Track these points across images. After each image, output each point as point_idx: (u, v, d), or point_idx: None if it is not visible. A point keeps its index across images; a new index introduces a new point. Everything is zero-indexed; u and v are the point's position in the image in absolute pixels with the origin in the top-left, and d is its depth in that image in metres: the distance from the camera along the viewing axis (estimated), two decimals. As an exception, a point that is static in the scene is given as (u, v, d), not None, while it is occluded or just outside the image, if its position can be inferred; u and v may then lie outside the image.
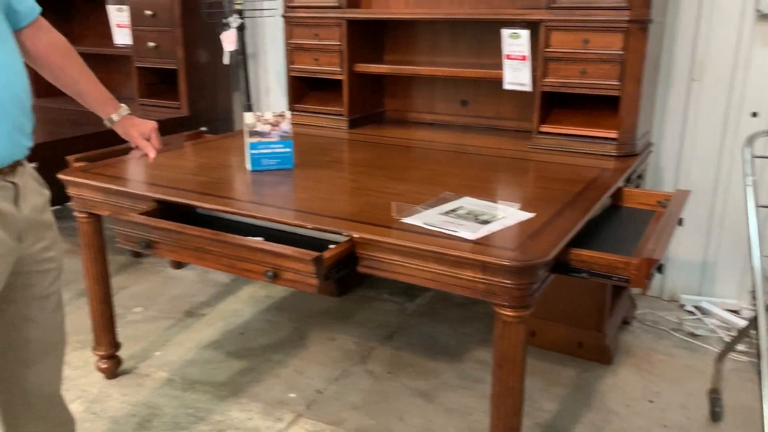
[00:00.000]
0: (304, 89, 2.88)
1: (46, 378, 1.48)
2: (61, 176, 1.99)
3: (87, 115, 2.93)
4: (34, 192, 1.38)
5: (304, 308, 2.70)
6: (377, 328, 2.54)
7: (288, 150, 2.06)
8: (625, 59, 2.10)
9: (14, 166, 1.32)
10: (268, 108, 3.49)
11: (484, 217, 1.55)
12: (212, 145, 2.45)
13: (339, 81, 2.69)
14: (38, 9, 1.50)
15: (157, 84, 3.20)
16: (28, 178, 1.39)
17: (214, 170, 2.10)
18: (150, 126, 1.79)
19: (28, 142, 1.36)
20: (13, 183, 1.31)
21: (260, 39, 3.41)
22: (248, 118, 2.04)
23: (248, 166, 2.05)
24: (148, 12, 2.98)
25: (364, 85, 2.78)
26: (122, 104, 1.73)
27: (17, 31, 1.48)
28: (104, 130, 2.46)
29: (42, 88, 3.48)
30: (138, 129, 1.76)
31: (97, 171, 2.03)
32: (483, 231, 1.45)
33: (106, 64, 3.54)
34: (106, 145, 2.62)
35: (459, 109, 2.77)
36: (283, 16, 2.73)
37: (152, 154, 1.77)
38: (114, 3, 3.15)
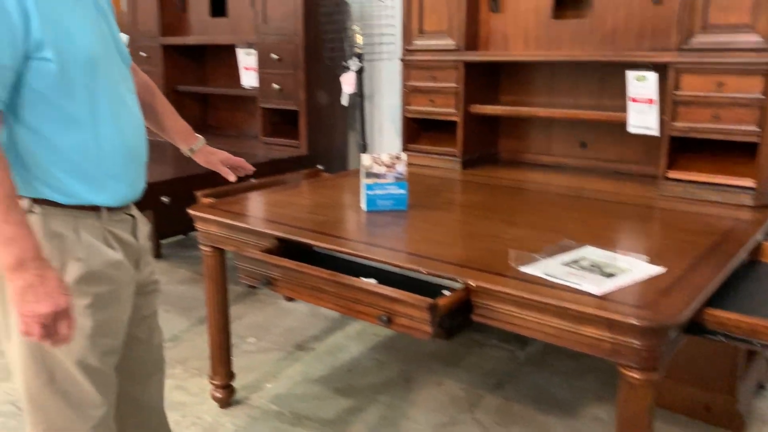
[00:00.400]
0: (418, 129, 2.91)
1: (154, 393, 1.63)
2: (190, 211, 2.10)
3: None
4: (143, 222, 1.52)
5: (411, 349, 2.68)
6: (486, 375, 2.48)
7: (402, 192, 2.08)
8: (765, 104, 1.95)
9: (132, 201, 1.48)
10: (382, 147, 3.55)
11: (609, 270, 1.48)
12: (328, 184, 2.52)
13: (453, 122, 2.70)
14: (130, 57, 1.63)
15: (279, 123, 3.35)
16: (137, 210, 1.53)
17: (330, 209, 2.16)
18: (226, 154, 1.88)
19: (144, 183, 1.50)
20: (132, 216, 1.46)
21: (376, 80, 3.50)
22: (365, 159, 2.08)
23: (363, 206, 2.08)
24: (274, 56, 3.14)
25: (479, 125, 2.77)
26: (199, 135, 1.81)
27: None
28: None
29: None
30: (217, 156, 1.85)
31: (223, 207, 2.13)
32: (609, 285, 1.38)
33: (233, 104, 3.76)
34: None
35: (577, 150, 2.69)
36: (402, 60, 2.79)
37: (233, 177, 1.89)
38: (243, 47, 3.35)
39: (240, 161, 1.89)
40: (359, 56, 3.08)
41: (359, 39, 3.07)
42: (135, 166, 1.42)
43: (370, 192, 2.07)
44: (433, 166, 2.76)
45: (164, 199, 2.57)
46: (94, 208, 1.35)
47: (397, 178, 2.08)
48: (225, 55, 3.65)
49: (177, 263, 3.65)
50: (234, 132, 3.77)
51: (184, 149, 1.78)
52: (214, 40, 3.48)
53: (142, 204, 2.52)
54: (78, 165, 1.31)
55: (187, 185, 2.64)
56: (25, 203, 1.29)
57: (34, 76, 1.24)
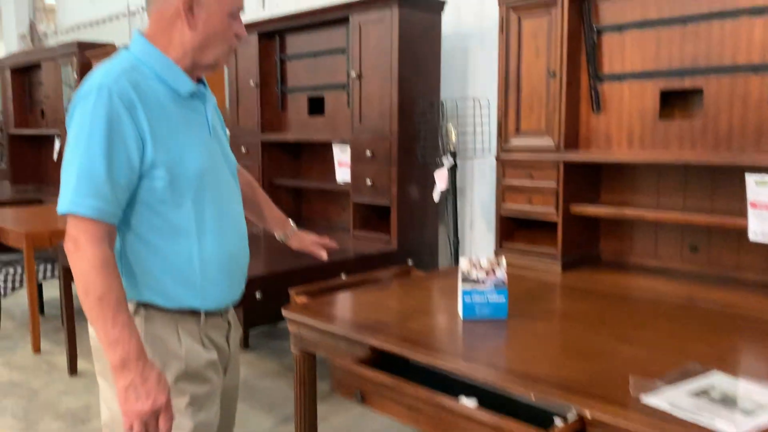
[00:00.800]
0: (513, 227, 2.82)
1: None
2: (285, 314, 2.08)
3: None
4: (237, 328, 1.59)
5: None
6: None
7: (502, 300, 1.98)
8: None
9: (229, 306, 1.55)
10: (473, 243, 3.48)
11: (747, 405, 1.31)
12: (421, 284, 2.45)
13: (552, 222, 2.60)
14: (236, 161, 1.78)
15: (370, 217, 3.36)
16: (233, 314, 1.59)
17: (425, 314, 2.08)
18: (315, 236, 1.95)
19: (243, 288, 1.58)
20: (228, 322, 1.54)
21: (468, 174, 3.47)
22: (463, 263, 2.00)
23: (460, 312, 1.99)
24: (368, 153, 3.18)
25: (579, 224, 2.65)
26: (292, 222, 1.93)
27: None
28: (321, 262, 2.65)
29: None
30: (310, 239, 1.93)
31: (316, 309, 2.10)
32: (748, 425, 1.21)
33: (327, 198, 3.82)
34: (325, 276, 2.77)
35: (687, 255, 2.51)
36: (497, 158, 2.75)
37: (324, 256, 1.92)
38: (338, 144, 3.43)
39: (326, 241, 1.95)
40: (453, 153, 3.07)
41: (453, 136, 3.07)
42: (235, 273, 1.49)
43: (467, 299, 1.98)
44: (530, 266, 2.65)
45: (257, 294, 2.58)
46: (194, 312, 1.42)
47: (496, 285, 1.99)
48: (320, 150, 3.74)
49: (264, 355, 3.63)
50: (326, 224, 3.81)
51: (279, 235, 1.90)
52: (310, 138, 3.59)
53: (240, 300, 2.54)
54: (181, 272, 1.39)
55: (278, 279, 2.65)
56: (131, 306, 1.36)
57: (146, 191, 1.34)
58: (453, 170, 3.10)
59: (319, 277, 2.75)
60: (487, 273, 2.00)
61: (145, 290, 1.38)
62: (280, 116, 3.83)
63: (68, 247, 1.28)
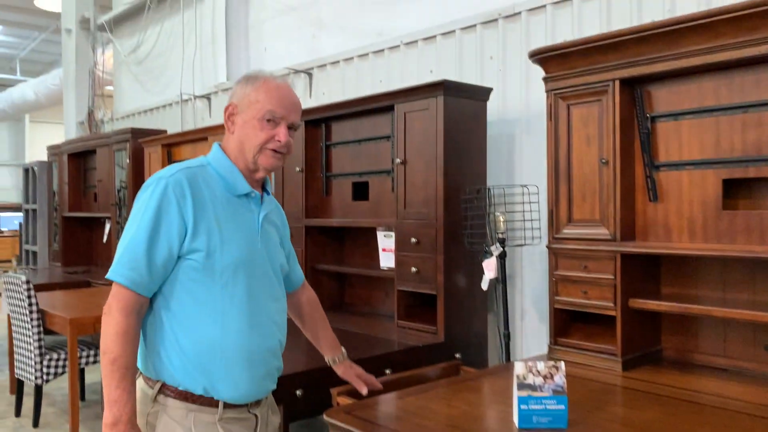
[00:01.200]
0: (568, 321, 2.67)
1: None
2: (326, 419, 1.96)
3: (354, 341, 3.04)
4: (270, 423, 1.65)
5: None
6: None
7: (562, 407, 1.82)
8: None
9: (259, 400, 1.61)
10: (524, 334, 3.32)
11: None
12: (471, 385, 2.30)
13: (610, 316, 2.45)
14: (303, 276, 2.02)
15: (415, 306, 3.24)
16: (268, 407, 1.65)
17: (476, 422, 1.93)
18: (360, 370, 2.07)
19: (274, 385, 1.66)
20: (255, 415, 1.58)
21: (517, 262, 3.36)
22: (518, 367, 1.87)
23: (516, 421, 1.84)
24: (413, 239, 3.11)
25: (639, 319, 2.49)
26: (342, 348, 2.06)
27: (290, 291, 1.95)
28: (366, 356, 2.68)
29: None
30: (354, 371, 2.04)
31: (359, 414, 1.97)
32: None
33: (370, 284, 3.73)
34: (367, 371, 2.64)
35: (761, 354, 2.31)
36: (548, 247, 2.64)
37: (365, 391, 2.01)
38: (383, 230, 3.37)
39: (371, 379, 2.05)
40: (501, 241, 2.97)
41: (501, 224, 2.98)
42: (260, 367, 1.56)
43: (524, 407, 1.83)
44: (587, 364, 2.48)
45: (298, 392, 2.46)
46: (212, 402, 1.50)
47: (555, 392, 1.84)
48: (364, 236, 3.69)
49: (304, 449, 3.47)
50: (369, 310, 3.71)
51: (328, 358, 2.02)
52: (355, 223, 3.55)
53: (277, 396, 2.44)
54: (202, 353, 1.48)
55: (320, 375, 2.53)
56: (156, 386, 1.50)
57: (182, 270, 1.50)
58: (502, 258, 2.99)
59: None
60: (545, 378, 1.86)
61: (167, 367, 1.49)
62: (324, 201, 3.82)
63: (104, 309, 1.46)
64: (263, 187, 1.71)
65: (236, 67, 5.50)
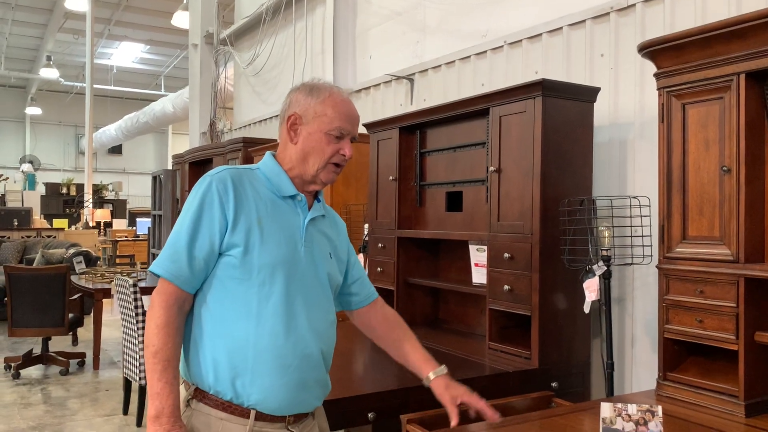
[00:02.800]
0: (681, 353, 2.31)
1: None
2: (384, 451, 1.78)
3: (442, 361, 2.83)
4: None
5: None
6: None
7: (657, 462, 1.53)
8: None
9: (299, 417, 1.54)
10: (634, 364, 2.95)
11: None
12: (561, 423, 2.03)
13: (731, 351, 2.07)
14: (376, 295, 1.91)
15: (508, 327, 2.98)
16: (313, 429, 1.60)
17: (556, 468, 1.67)
18: (463, 390, 1.77)
19: (317, 401, 1.60)
20: None
21: (627, 283, 3.00)
22: (605, 410, 1.59)
23: (601, 473, 1.56)
24: (507, 255, 2.85)
25: (766, 357, 2.09)
26: (441, 364, 1.81)
27: (357, 309, 1.88)
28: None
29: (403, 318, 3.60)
30: (451, 392, 1.76)
31: (424, 448, 1.77)
32: None
33: (464, 300, 3.51)
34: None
35: None
36: (659, 268, 2.30)
37: (453, 422, 1.73)
38: (475, 244, 3.14)
39: (481, 405, 1.75)
40: (606, 259, 2.65)
41: (606, 240, 2.66)
42: (294, 376, 1.49)
43: (609, 457, 1.56)
44: (702, 405, 2.12)
45: (369, 415, 2.30)
46: (242, 413, 1.45)
47: (648, 442, 1.54)
48: (459, 249, 3.48)
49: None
50: (463, 329, 3.48)
51: (423, 377, 1.80)
52: (447, 235, 3.35)
53: (351, 418, 2.29)
54: (231, 353, 1.45)
55: (395, 397, 2.37)
56: (191, 390, 1.50)
57: (221, 266, 1.50)
58: (606, 278, 2.67)
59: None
60: (637, 425, 1.57)
61: (201, 368, 1.47)
62: (417, 212, 3.65)
63: (149, 303, 1.49)
64: (316, 196, 1.70)
65: (343, 76, 5.48)
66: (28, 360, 5.43)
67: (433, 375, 1.77)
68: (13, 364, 5.36)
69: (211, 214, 1.48)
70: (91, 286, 5.61)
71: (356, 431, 3.59)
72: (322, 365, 1.57)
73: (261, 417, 1.46)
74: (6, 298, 5.29)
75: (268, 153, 1.67)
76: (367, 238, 3.90)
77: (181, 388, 1.52)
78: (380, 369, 2.89)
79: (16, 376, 5.28)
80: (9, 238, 10.09)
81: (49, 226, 12.20)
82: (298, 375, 1.49)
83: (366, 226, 3.96)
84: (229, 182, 1.52)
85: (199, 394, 1.49)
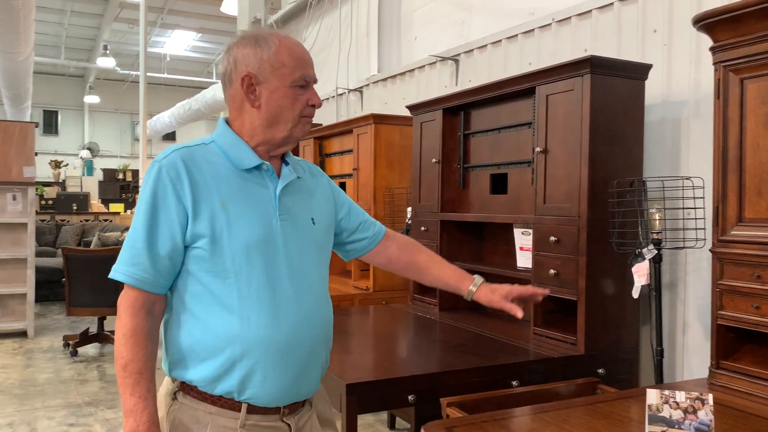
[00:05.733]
0: (734, 341, 2.20)
1: None
2: (421, 433, 1.77)
3: (484, 345, 2.80)
4: None
5: None
6: None
7: (706, 452, 1.46)
8: None
9: (295, 407, 1.41)
10: (686, 352, 2.84)
11: None
12: (608, 410, 1.96)
13: (790, 340, 1.97)
14: (384, 229, 1.74)
15: (553, 312, 2.91)
16: (311, 417, 1.45)
17: (599, 456, 1.61)
18: (508, 287, 1.66)
19: (314, 386, 1.45)
20: (288, 424, 1.39)
21: (680, 267, 2.88)
22: (652, 397, 1.53)
23: (646, 461, 1.51)
24: (553, 238, 2.78)
25: (832, 347, 1.98)
26: (476, 275, 1.70)
27: (370, 251, 1.71)
28: (489, 363, 2.39)
29: (445, 302, 3.57)
30: (499, 293, 1.64)
31: (461, 431, 1.75)
32: None
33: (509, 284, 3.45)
34: (491, 381, 2.40)
35: None
36: (712, 251, 2.19)
37: (519, 314, 1.63)
38: (520, 227, 3.08)
39: (529, 291, 1.65)
40: (657, 242, 2.55)
41: (657, 222, 2.55)
42: (292, 367, 1.36)
43: (654, 445, 1.50)
44: (757, 395, 2.02)
45: (410, 398, 2.29)
46: (233, 406, 1.33)
47: (698, 431, 1.48)
48: (503, 233, 3.41)
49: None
50: (506, 314, 3.41)
51: (464, 293, 1.67)
52: (491, 218, 3.28)
53: (391, 400, 2.28)
54: (221, 350, 1.32)
55: (435, 380, 2.35)
56: (173, 386, 1.38)
57: (190, 260, 1.34)
58: (657, 262, 2.57)
59: (486, 382, 2.40)
60: (686, 413, 1.50)
61: (186, 365, 1.35)
62: (461, 195, 3.59)
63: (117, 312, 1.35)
64: (283, 158, 1.50)
65: (387, 59, 5.43)
66: (85, 338, 5.62)
67: (474, 287, 1.65)
68: (71, 342, 5.56)
69: (166, 205, 1.32)
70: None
71: (399, 413, 3.60)
72: (319, 348, 1.43)
73: (253, 410, 1.34)
74: (64, 279, 5.49)
75: (221, 120, 1.47)
76: (410, 222, 3.86)
77: (165, 381, 1.43)
78: (420, 352, 2.87)
79: (74, 353, 5.48)
80: (68, 221, 10.47)
81: (106, 211, 12.60)
82: (293, 364, 1.36)
83: (409, 209, 3.93)
84: (181, 166, 1.33)
85: (187, 388, 1.36)
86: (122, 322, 1.31)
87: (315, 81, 1.46)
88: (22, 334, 6.19)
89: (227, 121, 1.46)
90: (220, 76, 1.47)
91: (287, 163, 1.48)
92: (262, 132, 1.41)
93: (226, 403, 1.32)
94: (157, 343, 1.35)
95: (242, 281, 1.32)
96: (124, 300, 1.32)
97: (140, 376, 1.29)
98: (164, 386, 1.42)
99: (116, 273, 1.33)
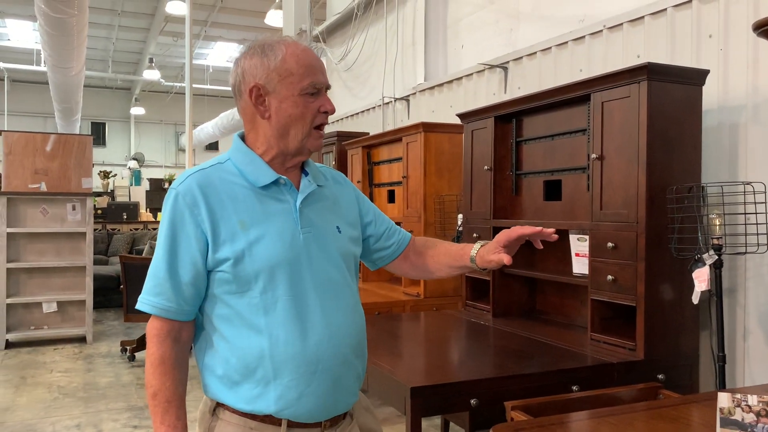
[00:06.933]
0: (802, 347, 2.19)
1: None
2: (492, 435, 1.81)
3: (542, 351, 2.83)
4: None
5: None
6: None
7: (782, 455, 1.47)
8: None
9: (336, 420, 1.41)
10: (748, 359, 2.82)
11: None
12: (670, 414, 1.98)
13: None
14: (408, 235, 1.70)
15: (611, 318, 2.92)
16: (355, 430, 1.45)
17: (670, 459, 1.64)
18: (501, 236, 1.52)
19: (353, 397, 1.43)
20: None
21: (740, 273, 2.86)
22: (723, 400, 1.55)
23: (719, 465, 1.53)
24: (610, 244, 2.80)
25: None
26: (475, 244, 1.59)
27: (395, 260, 1.68)
28: (549, 369, 2.40)
29: (499, 308, 3.60)
30: (494, 244, 1.51)
31: (531, 434, 1.79)
32: None
33: (563, 291, 3.47)
34: (551, 386, 2.43)
35: None
36: (777, 257, 2.19)
37: (506, 260, 1.48)
38: (576, 233, 3.10)
39: (524, 232, 1.50)
40: (717, 248, 2.55)
41: (717, 228, 2.55)
42: (326, 381, 1.35)
43: (729, 449, 1.52)
44: (827, 402, 2.01)
45: (472, 401, 2.33)
46: (273, 421, 1.32)
47: (772, 435, 1.49)
48: (557, 239, 3.43)
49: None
50: (562, 320, 3.44)
51: (470, 262, 1.56)
52: (546, 224, 3.31)
53: (452, 403, 2.33)
54: (253, 370, 1.31)
55: (497, 385, 2.39)
56: (209, 406, 1.38)
57: (214, 283, 1.34)
58: (717, 267, 2.57)
59: (546, 386, 2.43)
60: (758, 416, 1.52)
61: (222, 387, 1.34)
62: (513, 201, 3.63)
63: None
64: (302, 169, 1.47)
65: (434, 67, 5.50)
66: (142, 344, 5.81)
67: (474, 252, 1.54)
68: (128, 348, 5.76)
69: (185, 233, 1.31)
70: (196, 275, 5.93)
71: (452, 418, 3.64)
72: (352, 358, 1.40)
73: (294, 425, 1.33)
74: (122, 286, 5.68)
75: (235, 136, 1.45)
76: (461, 228, 3.91)
77: (204, 399, 1.43)
78: (477, 357, 2.91)
79: (132, 358, 5.66)
80: (119, 230, 10.80)
81: (154, 219, 12.94)
82: (326, 378, 1.34)
83: (460, 216, 3.98)
84: (197, 191, 1.32)
85: (221, 406, 1.37)
86: (150, 351, 1.33)
87: (327, 87, 1.42)
88: (82, 339, 6.43)
89: (242, 136, 1.45)
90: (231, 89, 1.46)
91: (307, 173, 1.45)
92: (276, 143, 1.39)
93: (267, 418, 1.32)
94: (186, 371, 1.36)
95: (268, 300, 1.30)
96: (151, 329, 1.33)
97: (169, 405, 1.30)
98: (203, 403, 1.42)
99: (141, 303, 1.33)
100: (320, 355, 1.33)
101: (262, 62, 1.37)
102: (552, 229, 1.53)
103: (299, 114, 1.36)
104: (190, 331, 1.37)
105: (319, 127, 1.40)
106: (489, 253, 1.51)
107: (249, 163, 1.38)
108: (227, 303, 1.33)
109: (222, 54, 17.03)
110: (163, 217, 1.35)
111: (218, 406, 1.36)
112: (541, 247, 1.57)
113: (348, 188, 1.60)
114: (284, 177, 1.39)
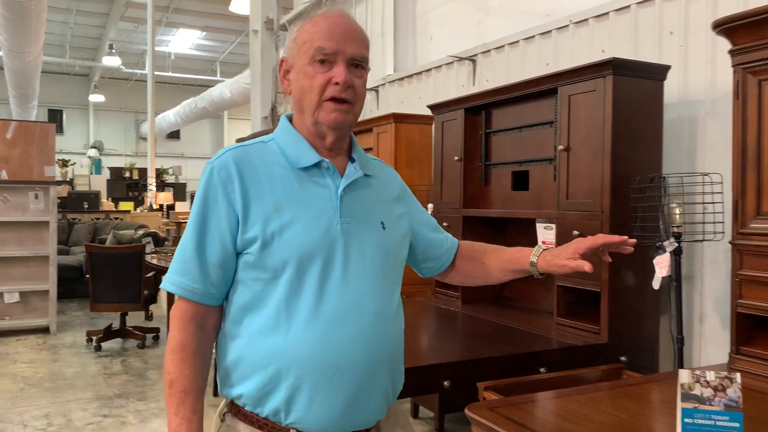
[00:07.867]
0: (752, 328, 2.33)
1: None
2: (468, 413, 1.89)
3: (510, 336, 2.93)
4: None
5: None
6: None
7: (736, 425, 1.59)
8: None
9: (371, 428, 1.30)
10: (703, 340, 2.97)
11: None
12: (634, 392, 2.10)
13: (808, 326, 2.10)
14: (456, 242, 1.56)
15: (576, 304, 3.04)
16: None
17: (635, 433, 1.75)
18: (573, 246, 1.37)
19: (377, 414, 1.29)
20: None
21: (696, 260, 3.01)
22: (683, 376, 1.66)
23: (680, 436, 1.64)
24: (576, 232, 2.91)
25: None
26: (533, 248, 1.46)
27: (445, 269, 1.55)
28: (517, 351, 2.40)
29: (467, 295, 3.70)
30: (563, 255, 1.37)
31: (503, 412, 1.88)
32: None
33: (530, 278, 3.57)
34: (520, 368, 2.53)
35: None
36: (732, 243, 2.32)
37: (587, 268, 1.32)
38: (543, 222, 3.21)
39: (608, 241, 1.35)
40: (677, 235, 2.68)
41: (677, 217, 2.68)
42: (347, 389, 1.21)
43: (688, 420, 1.62)
44: (776, 379, 2.16)
45: (445, 383, 2.42)
46: (280, 430, 1.22)
47: (728, 407, 1.61)
48: (524, 228, 3.54)
49: (458, 442, 3.43)
50: (529, 306, 3.56)
51: (530, 267, 1.43)
52: (513, 214, 3.41)
53: (425, 386, 2.41)
54: (265, 365, 1.20)
55: (468, 367, 2.48)
56: (222, 406, 1.30)
57: (240, 267, 1.25)
58: (677, 254, 2.70)
59: (515, 369, 2.53)
60: (716, 390, 1.63)
61: (233, 382, 1.24)
62: (483, 191, 3.73)
63: None
64: (349, 154, 1.35)
65: (403, 58, 5.56)
66: (108, 334, 5.76)
67: (535, 257, 1.41)
68: (94, 338, 5.70)
69: (216, 210, 1.22)
70: (163, 264, 5.90)
71: (422, 401, 3.73)
72: (380, 371, 1.26)
73: None
74: (88, 276, 5.62)
75: (283, 116, 1.35)
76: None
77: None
78: (448, 341, 3.00)
79: (98, 348, 5.61)
80: (80, 220, 10.60)
81: (116, 209, 12.73)
82: (345, 387, 1.21)
83: (430, 205, 4.06)
84: (233, 166, 1.23)
85: (235, 408, 1.26)
86: (171, 335, 1.23)
87: (347, 56, 1.25)
88: (45, 330, 6.33)
89: (289, 117, 1.35)
90: None
91: (353, 160, 1.33)
92: (301, 120, 1.30)
93: (274, 427, 1.21)
94: (208, 361, 1.27)
95: (291, 292, 1.20)
96: (175, 312, 1.24)
97: (185, 396, 1.21)
98: (220, 406, 1.35)
99: (167, 283, 1.25)
100: (340, 362, 1.20)
101: (290, 35, 1.30)
102: (633, 240, 1.37)
103: (308, 85, 1.25)
104: (215, 319, 1.27)
105: (334, 99, 1.24)
106: (561, 258, 1.36)
107: (293, 143, 1.28)
108: (252, 289, 1.22)
109: (184, 41, 16.77)
110: (197, 192, 1.26)
111: (228, 410, 1.28)
112: (610, 260, 1.42)
113: (398, 183, 1.47)
114: (327, 160, 1.28)
